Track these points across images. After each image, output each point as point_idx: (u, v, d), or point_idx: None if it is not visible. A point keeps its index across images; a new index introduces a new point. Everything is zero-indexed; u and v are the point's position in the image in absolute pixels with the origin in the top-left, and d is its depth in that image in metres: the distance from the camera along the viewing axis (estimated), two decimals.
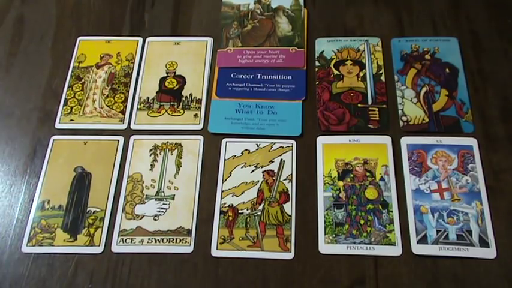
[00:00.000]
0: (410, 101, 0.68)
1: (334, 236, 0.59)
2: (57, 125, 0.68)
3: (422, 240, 0.58)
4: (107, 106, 0.70)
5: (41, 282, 0.58)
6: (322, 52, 0.73)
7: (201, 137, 0.67)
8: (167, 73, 0.72)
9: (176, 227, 0.60)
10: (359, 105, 0.68)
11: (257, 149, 0.65)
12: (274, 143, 0.66)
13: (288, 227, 0.60)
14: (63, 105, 0.70)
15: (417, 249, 0.58)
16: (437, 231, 0.58)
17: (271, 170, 0.64)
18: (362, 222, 0.60)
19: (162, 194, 0.63)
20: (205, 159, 0.65)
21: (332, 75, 0.70)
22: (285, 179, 0.63)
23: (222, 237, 0.60)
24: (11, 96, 0.71)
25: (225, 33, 0.75)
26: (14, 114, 0.70)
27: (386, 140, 0.65)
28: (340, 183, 0.62)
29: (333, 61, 0.72)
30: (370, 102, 0.68)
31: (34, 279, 0.58)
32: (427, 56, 0.71)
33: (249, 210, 0.61)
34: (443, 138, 0.64)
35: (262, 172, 0.64)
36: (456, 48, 0.71)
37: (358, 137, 0.65)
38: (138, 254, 0.59)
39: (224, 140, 0.66)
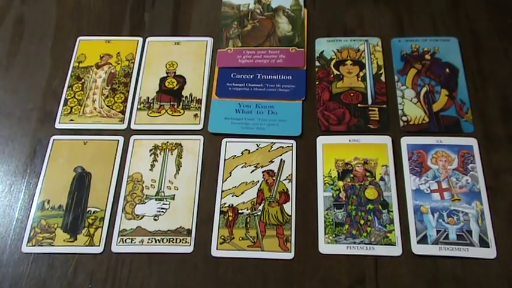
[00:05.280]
0: (410, 101, 0.68)
1: (334, 236, 0.59)
2: (57, 125, 0.68)
3: (422, 240, 0.58)
4: (107, 106, 0.70)
5: (41, 282, 0.58)
6: (322, 52, 0.73)
7: (201, 137, 0.67)
8: (167, 73, 0.72)
9: (176, 227, 0.60)
10: (359, 105, 0.68)
11: (257, 149, 0.65)
12: (274, 143, 0.66)
13: (288, 227, 0.60)
14: (63, 105, 0.70)
15: (417, 249, 0.58)
16: (437, 231, 0.58)
17: (271, 170, 0.64)
18: (362, 222, 0.60)
19: (162, 194, 0.63)
20: (205, 159, 0.65)
21: (332, 75, 0.70)
22: (285, 179, 0.63)
23: (222, 237, 0.60)
24: (11, 96, 0.71)
25: (225, 33, 0.75)
26: (14, 114, 0.70)
27: (386, 140, 0.65)
28: (340, 183, 0.62)
29: (333, 61, 0.72)
30: (370, 102, 0.68)
31: (34, 279, 0.58)
32: (427, 56, 0.71)
33: (249, 210, 0.61)
34: (443, 138, 0.64)
35: (262, 172, 0.64)
36: (456, 48, 0.71)
37: (358, 137, 0.65)
38: (138, 254, 0.59)
39: (224, 140, 0.66)
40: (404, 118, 0.66)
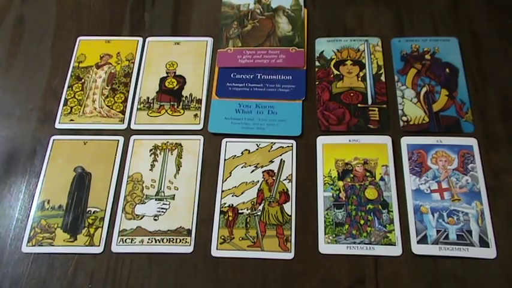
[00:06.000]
0: (411, 101, 0.68)
1: (334, 236, 0.59)
2: (57, 125, 0.68)
3: (422, 240, 0.58)
4: (107, 106, 0.70)
5: (41, 282, 0.58)
6: (322, 52, 0.73)
7: (201, 137, 0.67)
8: (167, 73, 0.72)
9: (176, 227, 0.60)
10: (359, 105, 0.68)
11: (257, 149, 0.65)
12: (274, 143, 0.66)
13: (288, 227, 0.60)
14: (63, 105, 0.70)
15: (417, 249, 0.58)
16: (437, 231, 0.58)
17: (271, 170, 0.64)
18: (362, 222, 0.60)
19: (162, 194, 0.63)
20: (205, 159, 0.65)
21: (332, 75, 0.70)
22: (285, 179, 0.63)
23: (222, 237, 0.60)
24: (11, 96, 0.71)
25: (225, 33, 0.75)
26: (14, 114, 0.70)
27: (386, 140, 0.65)
28: (340, 183, 0.62)
29: (333, 61, 0.72)
30: (370, 102, 0.68)
31: (34, 279, 0.58)
32: (427, 56, 0.71)
33: (249, 210, 0.61)
34: (443, 138, 0.64)
35: (262, 172, 0.64)
36: (456, 48, 0.71)
37: (358, 137, 0.65)
38: (138, 254, 0.59)
39: (224, 140, 0.66)
40: (404, 118, 0.66)
